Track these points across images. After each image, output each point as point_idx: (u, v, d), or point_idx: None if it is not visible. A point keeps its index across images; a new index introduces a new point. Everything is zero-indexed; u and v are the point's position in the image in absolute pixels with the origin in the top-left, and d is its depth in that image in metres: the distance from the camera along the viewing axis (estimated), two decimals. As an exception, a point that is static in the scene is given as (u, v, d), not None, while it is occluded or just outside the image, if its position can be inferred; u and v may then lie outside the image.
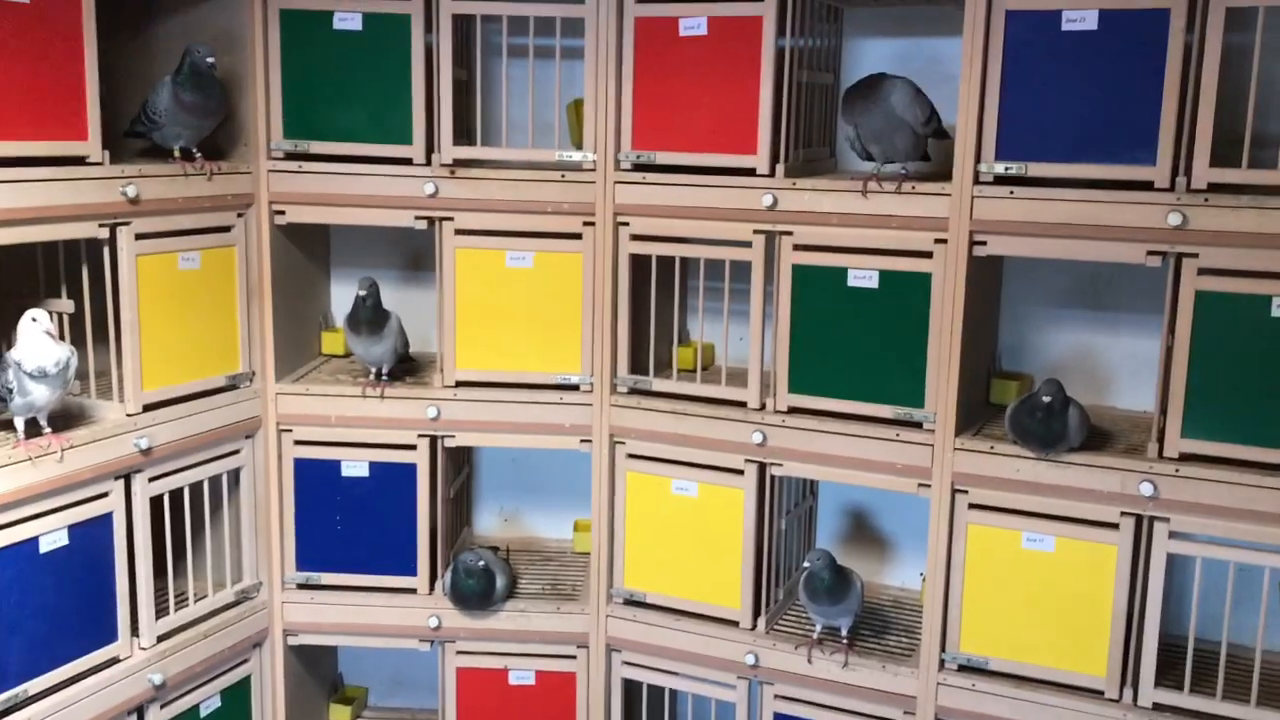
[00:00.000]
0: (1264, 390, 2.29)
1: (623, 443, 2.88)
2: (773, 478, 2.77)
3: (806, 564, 2.63)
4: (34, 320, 2.27)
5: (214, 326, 2.78)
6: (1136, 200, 2.33)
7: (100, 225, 2.45)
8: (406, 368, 3.06)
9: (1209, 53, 2.24)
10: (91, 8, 2.37)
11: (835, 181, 2.61)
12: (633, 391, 2.87)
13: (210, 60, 2.54)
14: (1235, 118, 2.29)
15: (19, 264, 2.57)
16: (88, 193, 2.40)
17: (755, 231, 2.67)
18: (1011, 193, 2.43)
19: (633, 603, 2.94)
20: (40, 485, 2.36)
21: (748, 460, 2.75)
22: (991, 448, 2.54)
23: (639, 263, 2.83)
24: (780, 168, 2.63)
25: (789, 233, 2.64)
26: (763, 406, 2.73)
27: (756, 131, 2.63)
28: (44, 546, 2.40)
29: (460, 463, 3.27)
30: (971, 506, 2.57)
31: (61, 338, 2.41)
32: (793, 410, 2.70)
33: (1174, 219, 2.29)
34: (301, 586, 3.01)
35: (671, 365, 3.00)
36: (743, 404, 2.75)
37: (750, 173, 2.65)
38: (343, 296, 3.31)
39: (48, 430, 2.38)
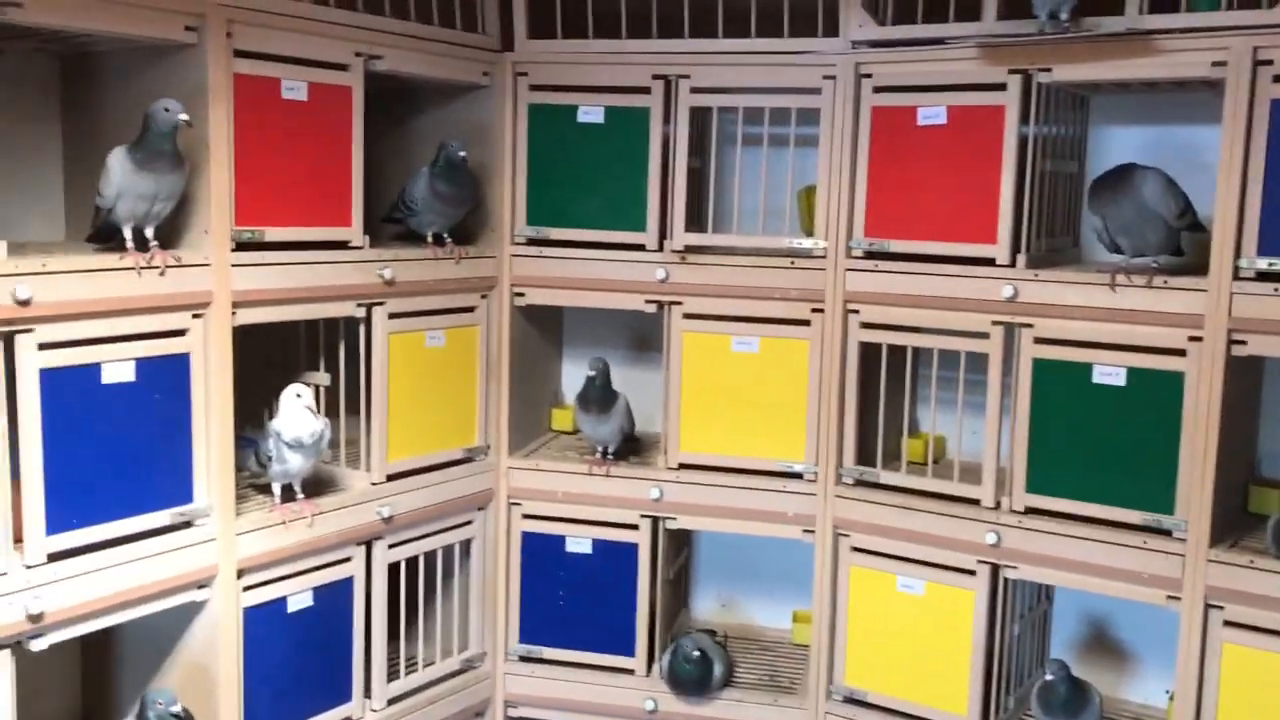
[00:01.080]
0: None
1: (847, 535, 2.83)
2: (1006, 580, 2.65)
3: (1043, 674, 2.50)
4: (297, 395, 2.43)
5: (454, 401, 2.91)
6: None
7: (358, 305, 2.61)
8: (632, 447, 3.11)
9: None
10: (361, 106, 2.55)
11: (1081, 273, 2.51)
12: (858, 483, 2.82)
13: (463, 154, 2.69)
14: None
15: (282, 339, 2.76)
16: (349, 275, 2.57)
17: (994, 323, 2.59)
18: (1276, 290, 2.28)
19: (853, 700, 2.85)
20: (291, 549, 2.50)
21: (980, 561, 2.65)
22: (1251, 561, 2.35)
23: (868, 351, 2.80)
24: (1021, 258, 2.56)
25: (1029, 325, 2.55)
26: (997, 505, 2.63)
27: (996, 221, 2.57)
28: (291, 606, 2.54)
29: (680, 544, 3.28)
30: (1228, 624, 2.38)
31: (318, 409, 2.57)
32: (1030, 510, 2.59)
33: None
34: (523, 659, 3.07)
35: (899, 457, 2.93)
36: (976, 501, 2.66)
37: (989, 263, 2.59)
38: (572, 375, 3.41)
39: (301, 496, 2.53)
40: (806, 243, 2.80)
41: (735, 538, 3.28)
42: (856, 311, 2.77)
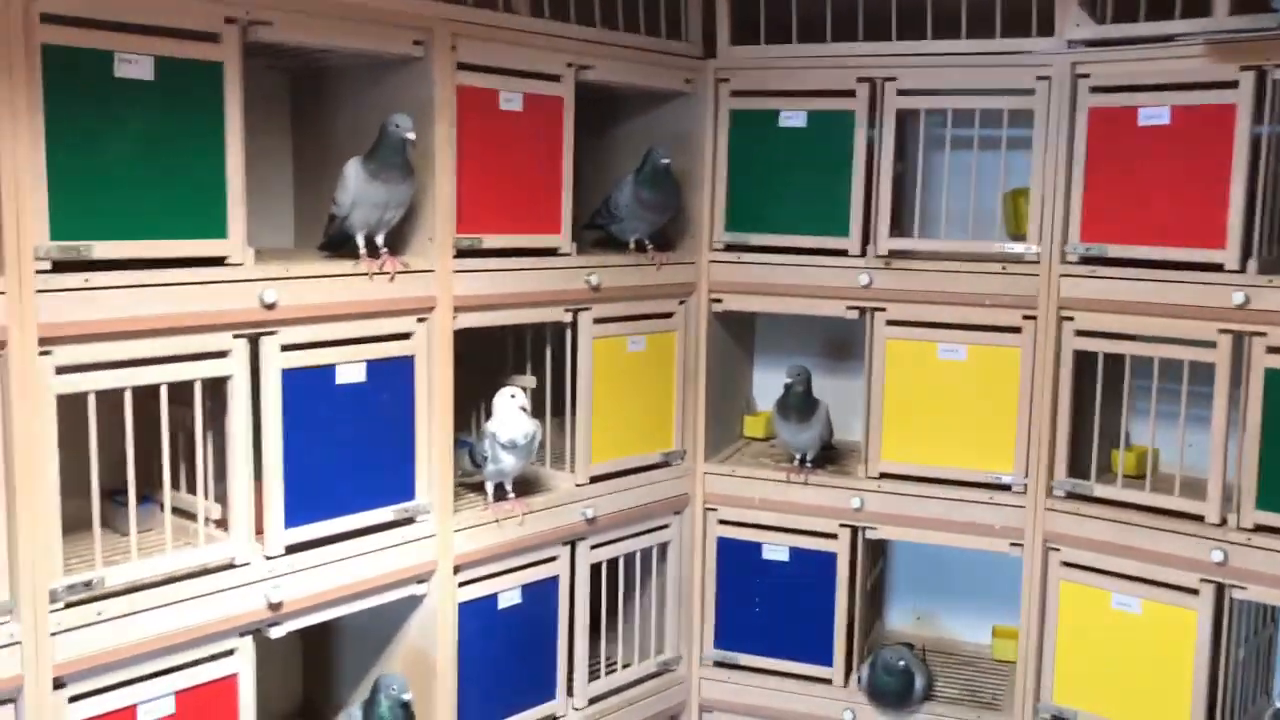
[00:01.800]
0: None
1: (1057, 549, 2.74)
2: (1233, 601, 2.52)
3: (1271, 703, 2.36)
4: (512, 396, 2.50)
5: (653, 406, 2.94)
6: None
7: (566, 310, 2.66)
8: (828, 455, 3.08)
9: None
10: (571, 115, 2.61)
11: (1322, 280, 2.38)
12: (1070, 496, 2.72)
13: (666, 161, 2.73)
14: None
15: (485, 343, 2.83)
16: (558, 281, 2.62)
17: (1221, 331, 2.47)
18: None
19: (1061, 720, 2.76)
20: (503, 546, 2.57)
21: (1203, 580, 2.52)
22: None
23: (1083, 360, 2.70)
24: (1253, 263, 2.43)
25: (1262, 334, 2.42)
26: (1223, 522, 2.51)
27: (1225, 225, 2.46)
28: (501, 603, 2.60)
29: (876, 555, 3.23)
30: None
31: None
32: (1260, 528, 2.46)
33: None
34: (718, 664, 3.07)
35: (1110, 470, 2.82)
36: (1199, 518, 2.54)
37: (1217, 268, 2.47)
38: (764, 382, 3.40)
39: (512, 495, 2.59)
40: (1019, 247, 2.73)
41: (931, 550, 3.21)
42: (1071, 319, 2.68)
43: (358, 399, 2.27)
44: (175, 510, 2.07)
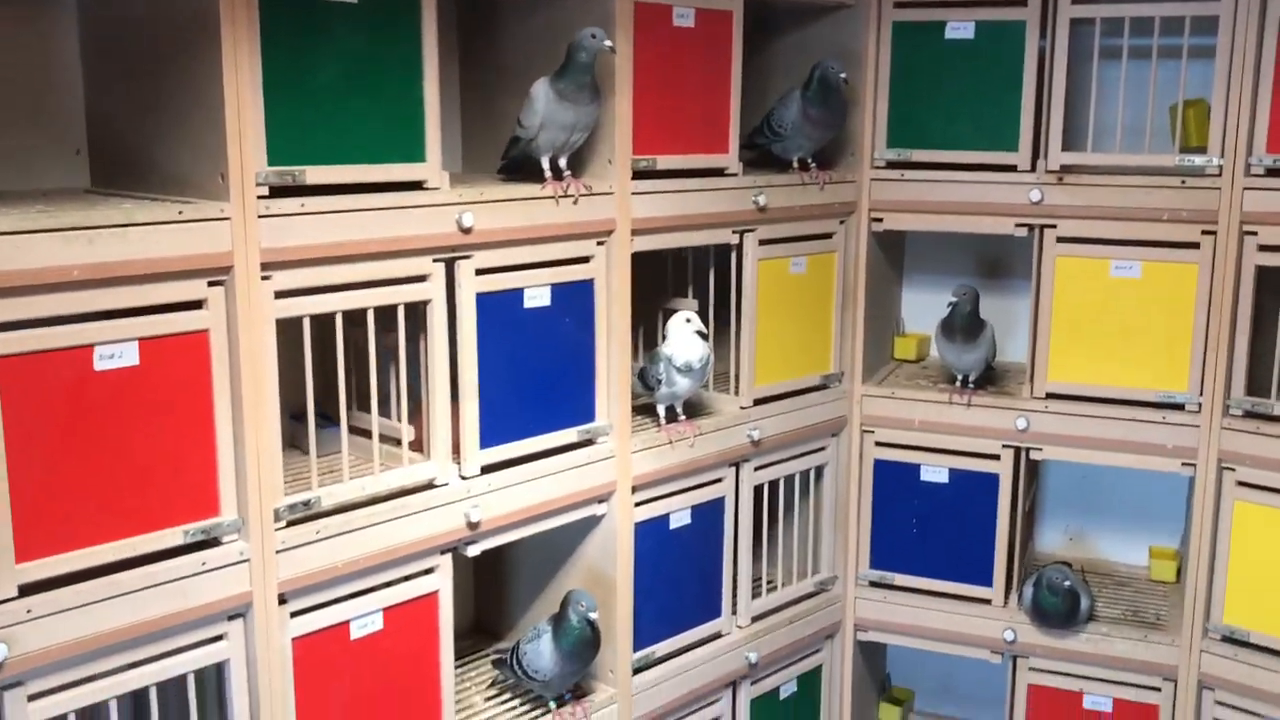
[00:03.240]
0: None
1: (1233, 469, 2.69)
2: None
3: None
4: (687, 320, 2.49)
5: (812, 329, 2.92)
6: None
7: (733, 231, 2.64)
8: (988, 376, 3.04)
9: None
10: (741, 31, 2.56)
11: None
12: (1249, 415, 2.66)
13: (842, 75, 2.66)
14: None
15: (646, 266, 2.82)
16: (724, 202, 2.60)
17: None
18: None
19: (1232, 640, 2.73)
20: (675, 468, 2.58)
21: (1396, 499, 2.47)
22: None
23: (1265, 275, 2.62)
24: None
25: None
26: None
27: None
28: (673, 524, 2.63)
29: (1030, 476, 3.20)
30: None
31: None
32: None
33: None
34: (874, 584, 3.08)
35: (1288, 388, 2.76)
36: (1393, 435, 2.47)
37: None
38: (913, 303, 3.36)
39: (683, 417, 2.60)
40: (1199, 160, 2.64)
41: (1085, 470, 3.18)
42: (1255, 233, 2.60)
43: (543, 322, 2.28)
44: (360, 432, 2.11)
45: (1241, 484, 2.68)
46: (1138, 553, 3.23)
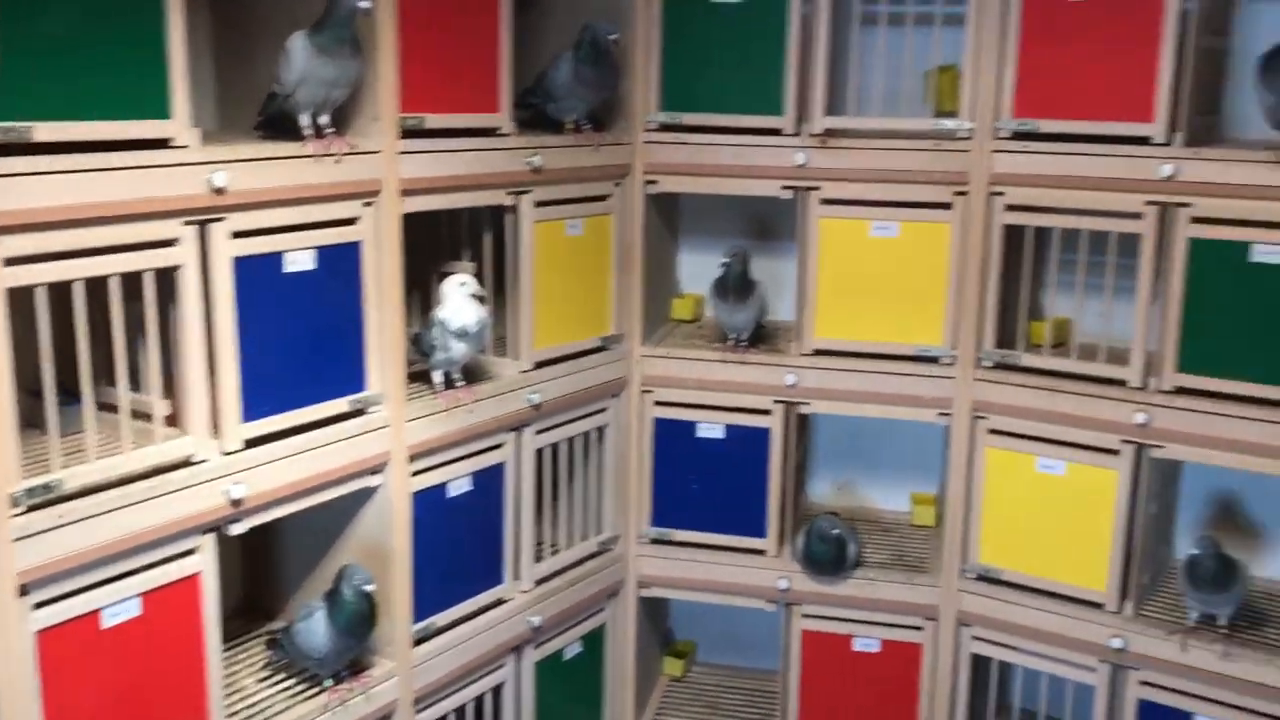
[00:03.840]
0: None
1: (984, 417, 2.85)
2: (1150, 460, 2.67)
3: (1194, 549, 2.54)
4: (461, 284, 2.44)
5: (591, 290, 2.92)
6: None
7: (508, 193, 2.60)
8: (760, 334, 3.12)
9: None
10: (511, -14, 2.51)
11: (1247, 152, 2.48)
12: (998, 366, 2.83)
13: (614, 37, 2.65)
14: None
15: (420, 229, 2.75)
16: (498, 163, 2.55)
17: (1147, 203, 2.57)
18: None
19: (987, 579, 2.91)
20: (453, 435, 2.54)
21: (1124, 441, 2.67)
22: None
23: (1012, 234, 2.78)
24: (1178, 136, 2.52)
25: (1187, 205, 2.53)
26: (1144, 386, 2.64)
27: (1154, 99, 2.54)
28: (451, 492, 2.58)
29: (803, 429, 3.31)
30: (1384, 499, 2.41)
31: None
32: (1180, 390, 2.60)
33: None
34: (655, 541, 3.13)
35: (1032, 341, 2.94)
36: (1122, 383, 2.67)
37: (1145, 141, 2.56)
38: (689, 264, 3.41)
39: (461, 383, 2.55)
40: (951, 124, 2.77)
41: (852, 422, 3.31)
42: (1001, 194, 2.75)
43: (307, 287, 2.19)
44: (107, 407, 1.98)
45: (993, 431, 2.85)
46: (901, 500, 3.40)
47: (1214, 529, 2.99)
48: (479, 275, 2.67)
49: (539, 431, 2.80)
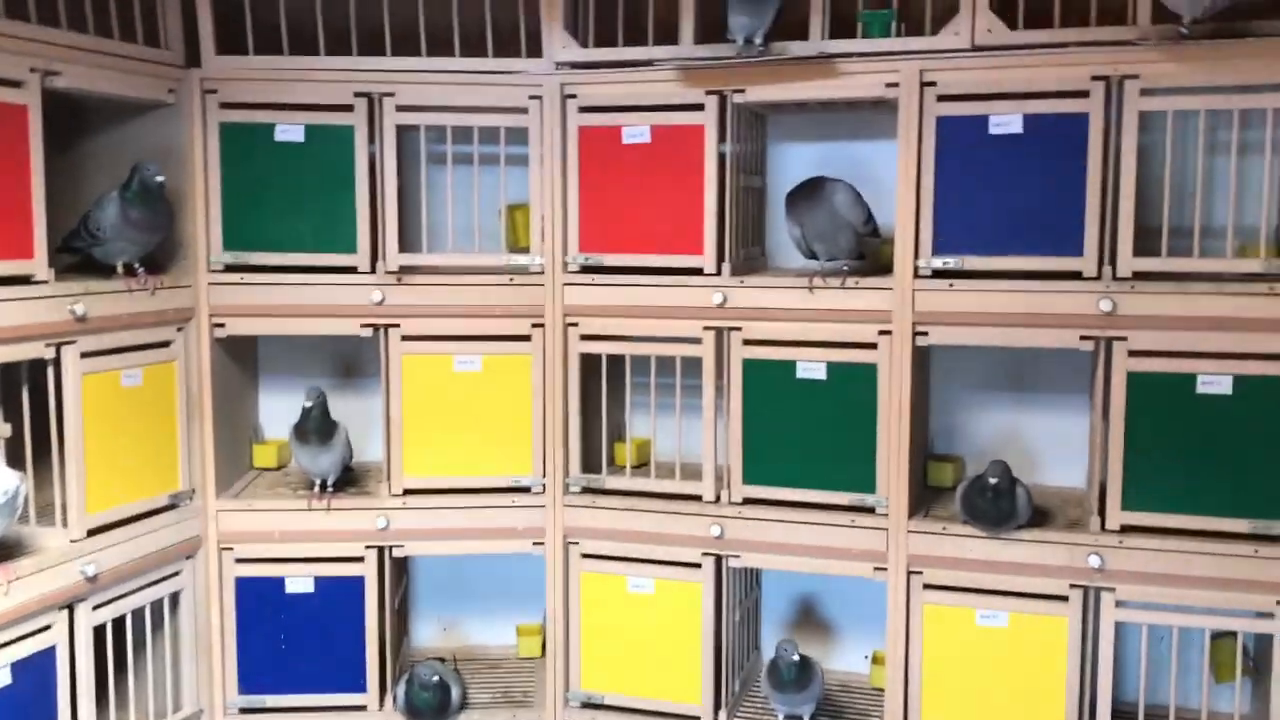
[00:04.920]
0: (1194, 462, 2.46)
1: (576, 543, 2.89)
2: (730, 569, 2.81)
3: (776, 653, 2.67)
4: (-12, 447, 2.18)
5: (154, 444, 2.70)
6: (1068, 289, 2.50)
7: (47, 345, 2.36)
8: (348, 478, 3.01)
9: (1125, 152, 2.44)
10: (39, 126, 2.32)
11: (782, 278, 2.72)
12: (585, 490, 2.89)
13: (160, 178, 2.52)
14: (1152, 210, 2.49)
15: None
16: (36, 312, 2.33)
17: (705, 328, 2.75)
18: (951, 285, 2.58)
19: (591, 705, 2.91)
20: (-14, 622, 2.23)
21: (705, 554, 2.79)
22: (944, 528, 2.64)
23: (589, 362, 2.87)
24: (726, 266, 2.73)
25: (738, 328, 2.72)
26: (718, 499, 2.78)
27: (702, 233, 2.73)
28: (-12, 687, 2.26)
29: (400, 572, 3.21)
30: (926, 587, 2.65)
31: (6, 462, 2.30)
32: (748, 501, 2.76)
33: (1104, 305, 2.46)
34: (244, 710, 2.89)
35: (616, 462, 3.03)
36: (698, 498, 2.80)
37: (698, 272, 2.74)
38: (271, 408, 3.25)
39: (-7, 562, 2.26)
40: (524, 259, 2.84)
41: (452, 560, 3.26)
42: (576, 324, 2.84)
43: None
44: None
45: (586, 556, 2.88)
46: (507, 634, 3.35)
47: (794, 631, 3.18)
48: (16, 436, 2.40)
49: (97, 606, 2.52)
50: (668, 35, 2.75)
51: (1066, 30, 2.49)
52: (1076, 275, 2.49)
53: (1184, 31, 2.35)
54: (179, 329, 2.75)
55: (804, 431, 2.72)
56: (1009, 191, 2.53)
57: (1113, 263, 2.46)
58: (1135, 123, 2.42)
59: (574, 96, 2.79)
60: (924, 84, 2.54)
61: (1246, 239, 2.56)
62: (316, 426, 2.81)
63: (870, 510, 2.68)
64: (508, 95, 2.80)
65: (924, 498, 2.85)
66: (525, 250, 2.89)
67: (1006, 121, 2.51)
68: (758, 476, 2.76)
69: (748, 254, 2.90)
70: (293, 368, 3.23)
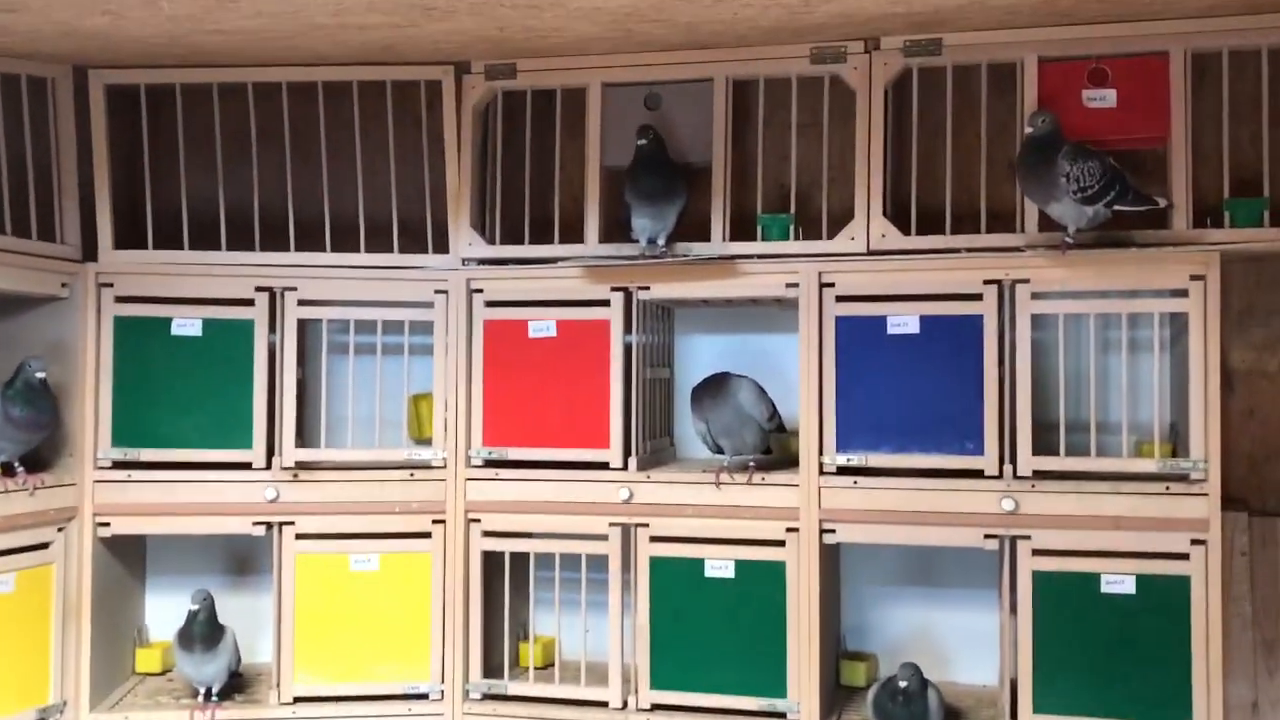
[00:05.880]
0: (1101, 662, 2.43)
1: (471, 749, 2.75)
2: (639, 782, 2.68)
3: None
4: None
5: (24, 655, 2.54)
6: (970, 488, 2.50)
7: (-92, 552, 2.23)
8: (235, 684, 2.84)
9: (1020, 354, 2.48)
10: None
11: (688, 474, 2.69)
12: (487, 697, 2.76)
13: (42, 375, 2.45)
14: (1050, 405, 2.53)
15: None
16: (-103, 517, 2.20)
17: (611, 524, 2.69)
18: (855, 482, 2.57)
19: None
20: None
21: (612, 762, 2.67)
22: (856, 732, 2.57)
23: (492, 559, 2.79)
24: (633, 460, 2.69)
25: (645, 524, 2.68)
26: (625, 705, 2.68)
27: (608, 426, 2.70)
28: None
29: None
30: (841, 795, 2.56)
31: None
32: (656, 707, 2.66)
33: (1006, 504, 2.46)
34: None
35: (520, 663, 2.91)
36: (604, 704, 2.69)
37: (604, 466, 2.70)
38: (158, 608, 3.09)
39: None
40: (425, 453, 2.78)
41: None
42: (478, 520, 2.77)
43: None
44: None
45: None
46: None
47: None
48: None
49: (-53, 837, 2.31)
50: (573, 233, 2.78)
51: (958, 236, 2.57)
52: (978, 474, 2.50)
53: (1069, 240, 2.44)
54: (60, 529, 2.63)
55: (713, 632, 2.65)
56: (909, 390, 2.55)
57: (1013, 461, 2.48)
58: (1028, 324, 2.48)
59: (480, 291, 2.79)
60: (823, 285, 2.59)
61: (1143, 436, 2.59)
62: (202, 632, 2.67)
63: (782, 716, 2.59)
64: (413, 290, 2.79)
65: (837, 699, 2.77)
66: (429, 442, 2.83)
67: (904, 322, 2.56)
68: (666, 680, 2.66)
69: (655, 445, 2.87)
70: (182, 566, 3.09)
